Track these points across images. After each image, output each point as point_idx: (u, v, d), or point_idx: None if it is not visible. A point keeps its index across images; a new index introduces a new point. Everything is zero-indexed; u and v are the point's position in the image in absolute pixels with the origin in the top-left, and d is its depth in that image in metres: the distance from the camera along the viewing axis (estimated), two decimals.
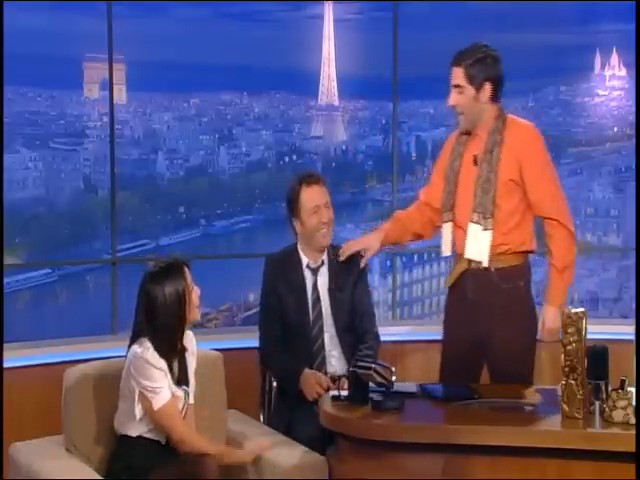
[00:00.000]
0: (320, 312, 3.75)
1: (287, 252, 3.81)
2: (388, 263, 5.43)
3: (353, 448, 3.09)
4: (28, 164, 4.92)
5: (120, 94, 4.98)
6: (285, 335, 3.75)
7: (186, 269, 3.13)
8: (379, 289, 5.41)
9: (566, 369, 2.97)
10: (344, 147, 5.59)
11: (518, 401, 3.16)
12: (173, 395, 3.09)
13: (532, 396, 3.27)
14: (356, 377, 3.17)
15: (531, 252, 3.57)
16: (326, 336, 3.74)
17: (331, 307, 3.76)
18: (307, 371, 3.62)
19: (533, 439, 2.90)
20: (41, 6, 4.69)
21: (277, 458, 3.22)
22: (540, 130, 3.59)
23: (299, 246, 3.80)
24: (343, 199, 5.39)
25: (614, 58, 5.48)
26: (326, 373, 3.69)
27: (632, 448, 2.76)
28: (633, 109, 5.23)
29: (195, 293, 3.13)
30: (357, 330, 3.79)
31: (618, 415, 2.91)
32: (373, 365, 3.17)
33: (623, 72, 5.50)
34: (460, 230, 3.55)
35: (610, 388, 2.98)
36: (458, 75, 3.49)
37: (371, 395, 3.15)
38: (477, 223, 3.46)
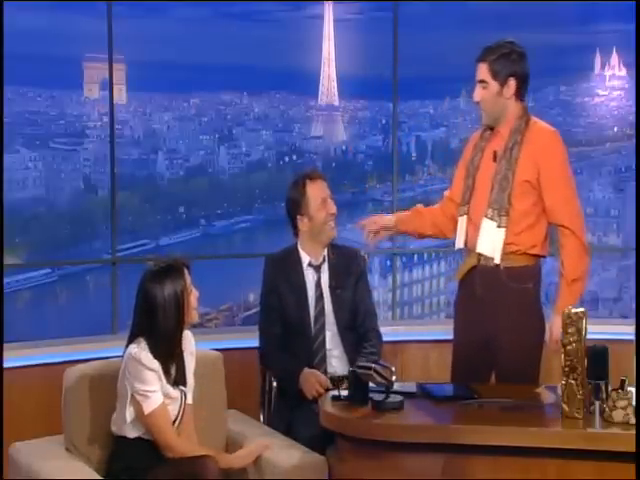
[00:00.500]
0: (322, 309, 3.76)
1: (287, 251, 3.83)
2: (388, 263, 5.43)
3: (353, 448, 3.08)
4: (28, 164, 4.92)
5: (120, 94, 4.98)
6: (285, 335, 3.75)
7: (186, 270, 3.12)
8: (379, 289, 5.41)
9: (566, 369, 2.97)
10: (344, 147, 5.60)
11: (518, 401, 3.15)
12: (169, 397, 3.09)
13: (533, 396, 3.27)
14: (356, 377, 3.17)
15: (542, 257, 3.56)
16: (327, 334, 3.75)
17: (333, 305, 3.76)
18: (307, 370, 3.62)
19: (533, 439, 2.90)
20: (41, 6, 4.68)
21: (277, 458, 3.21)
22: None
23: (300, 245, 3.80)
24: (343, 199, 5.39)
25: (614, 58, 5.49)
26: (326, 372, 3.69)
27: (632, 448, 2.76)
28: (633, 109, 5.23)
29: (194, 295, 3.13)
30: (359, 329, 3.80)
31: (618, 415, 2.91)
32: (373, 365, 3.17)
33: (623, 72, 5.50)
34: (473, 224, 3.55)
35: (610, 388, 2.98)
36: (483, 70, 3.49)
37: (371, 395, 3.15)
38: (491, 219, 3.46)
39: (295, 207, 3.77)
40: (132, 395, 3.04)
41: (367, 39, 5.32)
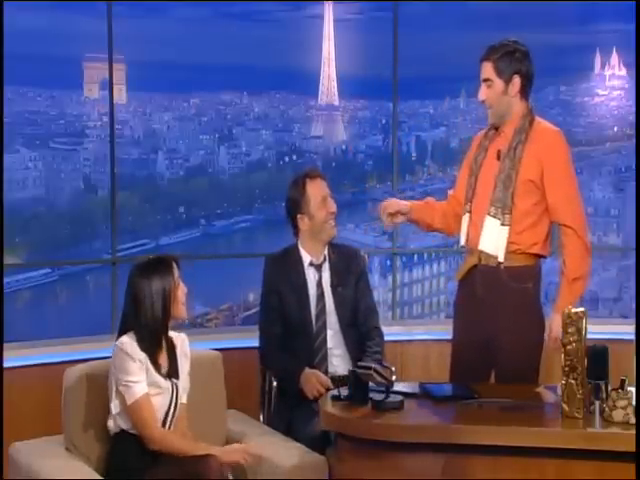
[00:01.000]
0: (324, 308, 3.77)
1: (287, 251, 3.83)
2: (388, 263, 5.44)
3: (353, 448, 3.08)
4: (28, 164, 4.92)
5: (120, 94, 4.98)
6: (286, 334, 3.76)
7: (174, 265, 3.15)
8: (379, 289, 5.41)
9: (566, 369, 2.97)
10: (344, 147, 5.60)
11: (518, 401, 3.15)
12: (158, 387, 3.08)
13: (533, 396, 3.26)
14: (356, 377, 3.17)
15: (542, 256, 3.56)
16: (329, 333, 3.76)
17: (334, 303, 3.78)
18: (308, 370, 3.62)
19: (533, 439, 2.90)
20: (41, 6, 4.69)
21: (277, 458, 3.21)
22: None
23: (301, 244, 3.81)
24: (343, 199, 5.39)
25: (614, 58, 5.49)
26: (326, 372, 3.69)
27: (632, 448, 2.76)
28: (633, 109, 5.23)
29: (181, 289, 3.15)
30: (361, 327, 3.82)
31: (618, 415, 2.91)
32: (373, 365, 3.18)
33: (623, 72, 5.50)
34: (474, 222, 3.55)
35: (610, 388, 2.98)
36: (487, 69, 3.50)
37: (371, 395, 3.15)
38: (494, 217, 3.47)
39: (295, 206, 3.77)
40: (116, 387, 3.06)
41: (367, 39, 5.32)
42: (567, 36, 5.38)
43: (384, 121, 5.49)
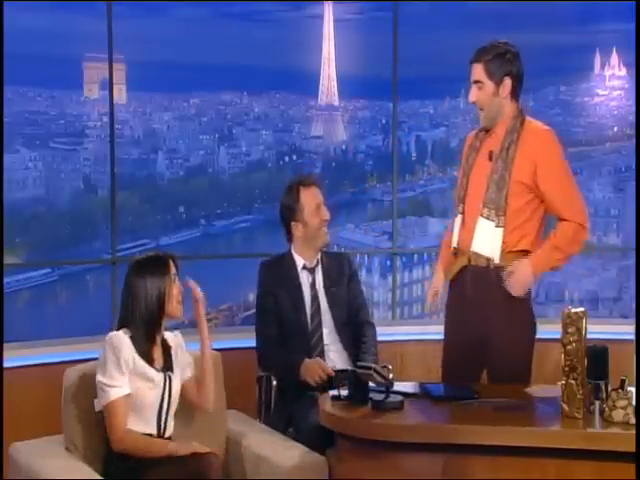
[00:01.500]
0: (318, 308, 3.81)
1: (281, 256, 3.89)
2: (388, 263, 5.44)
3: (353, 448, 3.09)
4: (28, 164, 4.92)
5: (120, 94, 4.98)
6: (282, 335, 3.79)
7: (171, 263, 3.16)
8: (379, 289, 5.42)
9: (566, 369, 2.97)
10: (344, 147, 5.60)
11: (518, 401, 3.15)
12: (151, 381, 3.09)
13: (532, 396, 3.26)
14: (356, 377, 3.17)
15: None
16: (325, 331, 3.80)
17: (328, 303, 3.82)
18: (308, 360, 3.65)
19: (533, 439, 2.90)
20: (41, 6, 4.69)
21: (277, 458, 3.21)
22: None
23: (294, 250, 3.86)
24: (343, 199, 5.40)
25: (614, 58, 5.49)
26: None
27: (632, 448, 2.76)
28: (633, 109, 5.23)
29: (177, 287, 3.16)
30: (354, 322, 3.88)
31: (618, 415, 2.91)
32: (373, 365, 3.18)
33: (623, 72, 5.50)
34: (466, 224, 3.55)
35: (610, 388, 2.98)
36: (478, 71, 3.50)
37: (371, 395, 3.15)
38: (487, 219, 3.46)
39: (289, 213, 3.80)
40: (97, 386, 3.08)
41: (367, 39, 5.32)
42: (567, 36, 5.38)
43: (384, 121, 5.49)
